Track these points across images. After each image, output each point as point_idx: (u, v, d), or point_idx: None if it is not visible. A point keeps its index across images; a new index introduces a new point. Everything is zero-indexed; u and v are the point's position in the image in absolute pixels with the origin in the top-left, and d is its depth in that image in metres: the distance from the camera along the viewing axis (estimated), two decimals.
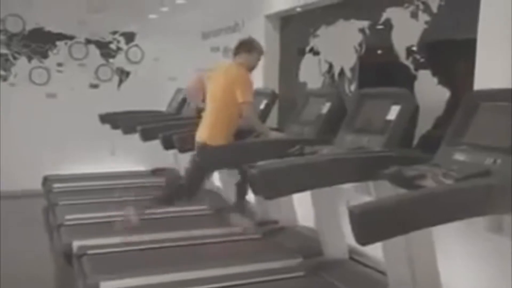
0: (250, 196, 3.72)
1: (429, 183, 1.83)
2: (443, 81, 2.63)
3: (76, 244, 3.11)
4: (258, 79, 4.16)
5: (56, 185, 4.84)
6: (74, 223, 3.60)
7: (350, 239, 1.63)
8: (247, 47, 3.32)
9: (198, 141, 3.27)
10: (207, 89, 3.38)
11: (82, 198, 4.37)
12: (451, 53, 2.63)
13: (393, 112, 2.42)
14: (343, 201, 2.80)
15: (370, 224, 1.58)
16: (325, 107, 3.02)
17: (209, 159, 3.12)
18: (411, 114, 2.41)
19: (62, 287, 3.12)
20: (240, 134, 3.27)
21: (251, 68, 3.32)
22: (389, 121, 2.42)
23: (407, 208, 1.63)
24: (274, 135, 3.28)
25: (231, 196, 4.04)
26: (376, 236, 1.64)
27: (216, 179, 4.60)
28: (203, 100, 3.44)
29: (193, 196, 3.47)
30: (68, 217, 3.72)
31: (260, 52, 3.36)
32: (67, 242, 3.18)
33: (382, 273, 2.58)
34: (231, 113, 3.20)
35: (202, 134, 3.27)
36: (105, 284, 2.55)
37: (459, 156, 1.96)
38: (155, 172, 5.41)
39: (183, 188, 3.45)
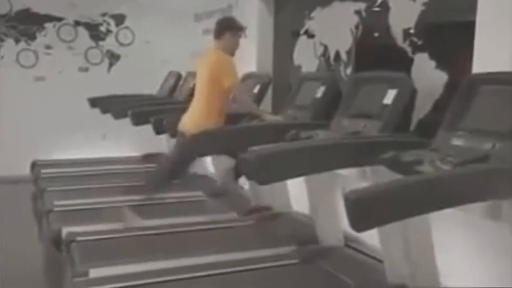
0: (244, 182, 3.67)
1: (426, 168, 1.79)
2: (441, 65, 2.57)
3: (65, 230, 3.05)
4: (252, 62, 4.08)
5: (44, 170, 4.75)
6: (63, 209, 3.54)
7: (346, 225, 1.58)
8: (230, 28, 3.18)
9: (182, 130, 3.19)
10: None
11: (71, 183, 4.29)
12: (449, 35, 2.57)
13: (390, 96, 2.37)
14: (339, 187, 2.76)
15: (366, 210, 1.54)
16: (320, 91, 2.96)
17: (203, 144, 3.05)
18: (408, 98, 2.36)
19: (51, 274, 3.06)
20: (234, 118, 3.20)
21: (234, 49, 3.19)
22: (386, 105, 2.37)
23: (403, 194, 1.58)
24: (270, 117, 3.20)
25: (224, 181, 3.99)
26: (372, 223, 1.60)
27: (210, 164, 4.54)
28: None
29: (176, 179, 3.39)
30: (57, 203, 3.65)
31: (241, 29, 3.24)
32: (56, 229, 3.12)
33: (379, 260, 2.55)
34: (219, 100, 3.11)
35: (188, 124, 3.18)
36: (94, 271, 2.50)
37: (457, 141, 1.92)
38: (146, 157, 5.33)
39: (167, 172, 3.38)
